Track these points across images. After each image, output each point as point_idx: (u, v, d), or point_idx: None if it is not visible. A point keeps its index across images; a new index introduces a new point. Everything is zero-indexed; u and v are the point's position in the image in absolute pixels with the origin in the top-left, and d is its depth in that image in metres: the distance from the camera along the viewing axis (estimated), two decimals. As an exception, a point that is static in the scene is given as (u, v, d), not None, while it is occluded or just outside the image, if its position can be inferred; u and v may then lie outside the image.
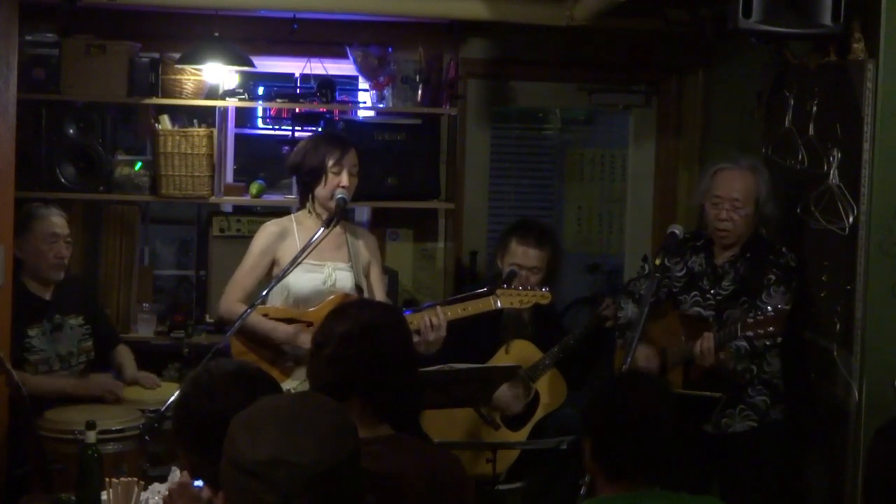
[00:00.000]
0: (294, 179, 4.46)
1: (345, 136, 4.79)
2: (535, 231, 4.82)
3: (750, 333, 3.85)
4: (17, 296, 4.36)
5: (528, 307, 4.42)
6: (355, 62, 5.27)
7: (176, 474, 2.96)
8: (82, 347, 4.59)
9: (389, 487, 2.38)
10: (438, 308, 4.18)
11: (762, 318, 3.84)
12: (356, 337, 2.53)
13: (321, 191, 4.16)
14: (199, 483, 2.41)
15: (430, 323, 4.10)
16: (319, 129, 5.36)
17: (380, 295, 4.29)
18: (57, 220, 4.57)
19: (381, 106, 5.34)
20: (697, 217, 4.63)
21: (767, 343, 3.99)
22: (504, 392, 4.51)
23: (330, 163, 4.14)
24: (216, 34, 4.99)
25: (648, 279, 4.25)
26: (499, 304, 4.32)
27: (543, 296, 4.37)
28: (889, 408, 3.70)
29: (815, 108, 4.26)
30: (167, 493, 2.60)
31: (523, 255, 4.72)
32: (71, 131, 5.12)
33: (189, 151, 5.14)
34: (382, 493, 2.23)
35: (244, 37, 5.21)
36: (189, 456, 2.41)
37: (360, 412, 2.47)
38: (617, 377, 4.10)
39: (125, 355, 4.75)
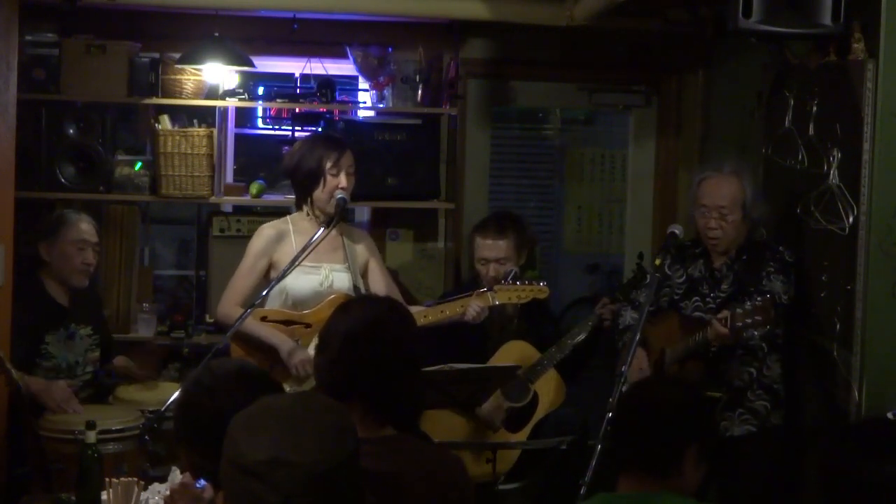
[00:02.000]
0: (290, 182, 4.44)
1: (339, 136, 4.79)
2: (492, 221, 4.76)
3: (738, 324, 3.85)
4: (37, 297, 4.39)
5: (525, 301, 4.41)
6: (355, 62, 5.26)
7: (176, 474, 2.96)
8: (89, 358, 4.54)
9: (389, 487, 2.37)
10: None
11: (749, 307, 3.84)
12: (359, 336, 2.52)
13: (319, 194, 4.16)
14: (201, 482, 2.41)
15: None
16: (319, 129, 5.36)
17: (384, 285, 4.30)
18: (87, 227, 4.56)
19: (381, 106, 5.34)
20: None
21: (756, 333, 3.97)
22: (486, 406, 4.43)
23: (328, 165, 4.14)
24: (216, 34, 4.99)
25: (647, 288, 4.23)
26: (496, 302, 4.32)
27: (541, 290, 4.36)
28: (888, 408, 3.69)
29: (815, 108, 4.26)
30: (168, 492, 2.60)
31: (489, 247, 4.67)
32: (71, 131, 5.12)
33: (189, 151, 5.13)
34: (382, 493, 2.23)
35: (244, 37, 5.21)
36: (190, 455, 2.41)
37: (361, 412, 2.46)
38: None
39: (124, 361, 4.68)
